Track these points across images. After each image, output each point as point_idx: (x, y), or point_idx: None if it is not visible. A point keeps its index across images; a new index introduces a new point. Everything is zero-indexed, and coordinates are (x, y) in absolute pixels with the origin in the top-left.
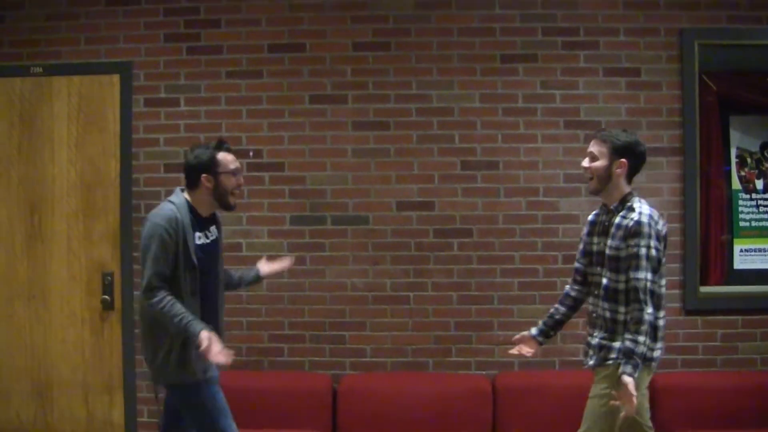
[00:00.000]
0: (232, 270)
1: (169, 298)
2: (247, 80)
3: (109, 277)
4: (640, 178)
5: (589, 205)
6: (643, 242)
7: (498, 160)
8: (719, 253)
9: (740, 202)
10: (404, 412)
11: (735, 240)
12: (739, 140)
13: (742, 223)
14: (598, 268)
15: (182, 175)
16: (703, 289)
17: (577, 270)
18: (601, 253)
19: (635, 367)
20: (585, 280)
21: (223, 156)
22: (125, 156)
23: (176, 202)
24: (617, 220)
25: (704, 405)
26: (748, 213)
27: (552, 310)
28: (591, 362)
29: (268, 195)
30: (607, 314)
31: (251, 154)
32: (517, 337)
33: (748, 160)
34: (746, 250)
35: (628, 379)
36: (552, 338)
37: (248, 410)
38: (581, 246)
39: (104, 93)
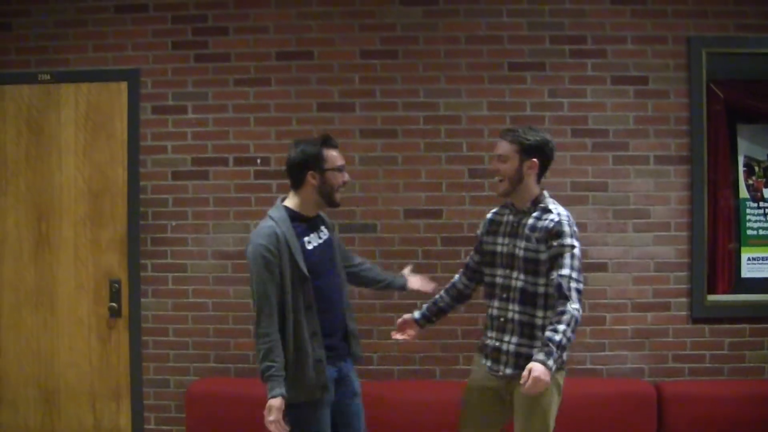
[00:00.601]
0: (376, 268)
1: (269, 340)
2: (255, 88)
3: (116, 285)
4: (648, 186)
5: (596, 213)
6: (566, 241)
7: None
8: (726, 261)
9: (748, 211)
10: (411, 419)
11: (742, 248)
12: (746, 149)
13: (749, 232)
14: (507, 270)
15: (190, 183)
16: (711, 297)
17: (468, 266)
18: (510, 255)
19: (549, 354)
20: (474, 277)
21: (328, 152)
22: (133, 163)
23: (275, 216)
24: (530, 221)
25: (711, 414)
26: (755, 221)
27: (437, 297)
28: (508, 371)
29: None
30: (522, 318)
31: (259, 161)
32: (399, 321)
33: (756, 168)
34: (753, 259)
35: (538, 366)
36: (433, 324)
37: (256, 418)
38: (477, 244)
39: (112, 100)
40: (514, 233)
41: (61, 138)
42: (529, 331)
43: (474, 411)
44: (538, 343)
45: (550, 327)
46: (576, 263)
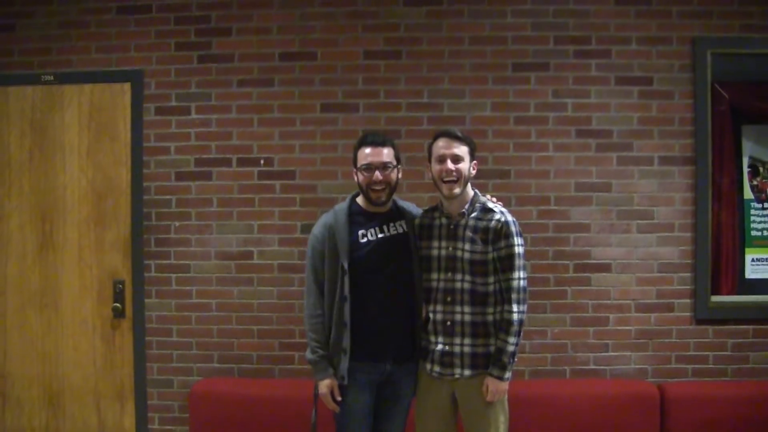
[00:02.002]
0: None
1: (313, 322)
2: (258, 89)
3: (120, 285)
4: (652, 187)
5: (600, 213)
6: (515, 241)
7: (509, 168)
8: (730, 262)
9: (752, 212)
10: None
11: (746, 249)
12: (751, 149)
13: (753, 233)
14: (448, 274)
15: (194, 184)
16: (715, 298)
17: None
18: (451, 258)
19: (503, 367)
20: None
21: (361, 150)
22: (136, 164)
23: (337, 207)
24: (471, 222)
25: (715, 415)
26: (759, 222)
27: None
28: (466, 372)
29: (279, 203)
30: (474, 318)
31: (262, 162)
32: None
33: (760, 169)
34: (758, 260)
35: (494, 381)
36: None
37: (259, 418)
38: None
39: (115, 101)
40: (453, 236)
41: (65, 139)
42: (483, 330)
43: (428, 416)
44: (492, 340)
45: (501, 336)
46: (523, 262)
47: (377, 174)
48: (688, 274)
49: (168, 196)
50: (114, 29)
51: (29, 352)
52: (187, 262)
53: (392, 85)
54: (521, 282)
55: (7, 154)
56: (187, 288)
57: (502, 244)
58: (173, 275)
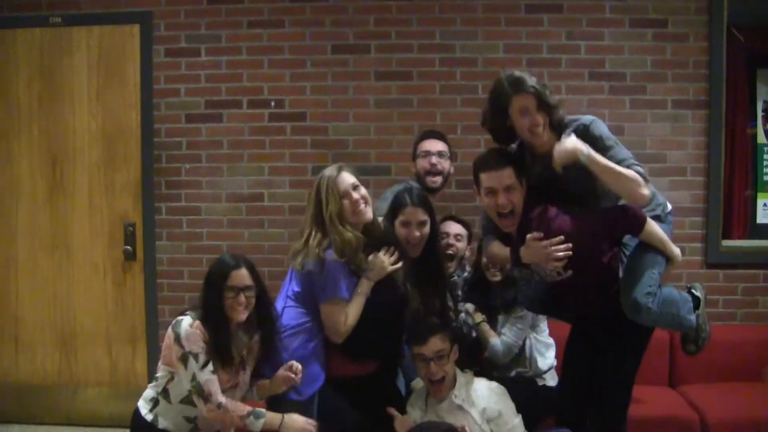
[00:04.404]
0: None
1: None
2: (269, 30)
3: (131, 228)
4: (664, 131)
5: None
6: None
7: None
8: (742, 207)
9: (765, 157)
10: None
11: (758, 194)
12: (765, 94)
13: (766, 178)
14: None
15: (204, 126)
16: (726, 242)
17: None
18: None
19: None
20: None
21: (421, 143)
22: (146, 107)
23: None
24: None
25: (724, 358)
26: None
27: None
28: None
29: (289, 145)
30: None
31: (272, 104)
32: None
33: None
34: None
35: None
36: None
37: None
38: None
39: (124, 43)
40: None
41: (74, 82)
42: None
43: None
44: None
45: None
46: None
47: (434, 158)
48: (700, 219)
49: (178, 139)
50: None
51: (41, 296)
52: (197, 204)
53: (404, 26)
54: None
55: (16, 99)
56: (198, 230)
57: None
58: (184, 218)
